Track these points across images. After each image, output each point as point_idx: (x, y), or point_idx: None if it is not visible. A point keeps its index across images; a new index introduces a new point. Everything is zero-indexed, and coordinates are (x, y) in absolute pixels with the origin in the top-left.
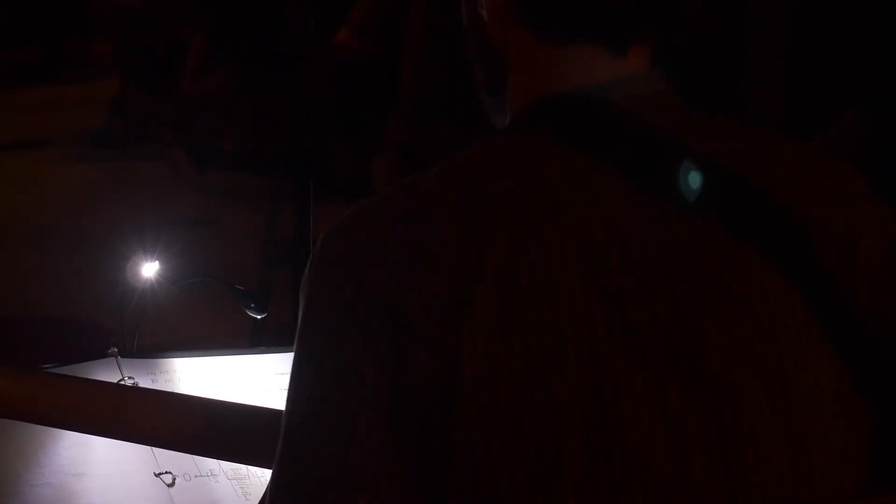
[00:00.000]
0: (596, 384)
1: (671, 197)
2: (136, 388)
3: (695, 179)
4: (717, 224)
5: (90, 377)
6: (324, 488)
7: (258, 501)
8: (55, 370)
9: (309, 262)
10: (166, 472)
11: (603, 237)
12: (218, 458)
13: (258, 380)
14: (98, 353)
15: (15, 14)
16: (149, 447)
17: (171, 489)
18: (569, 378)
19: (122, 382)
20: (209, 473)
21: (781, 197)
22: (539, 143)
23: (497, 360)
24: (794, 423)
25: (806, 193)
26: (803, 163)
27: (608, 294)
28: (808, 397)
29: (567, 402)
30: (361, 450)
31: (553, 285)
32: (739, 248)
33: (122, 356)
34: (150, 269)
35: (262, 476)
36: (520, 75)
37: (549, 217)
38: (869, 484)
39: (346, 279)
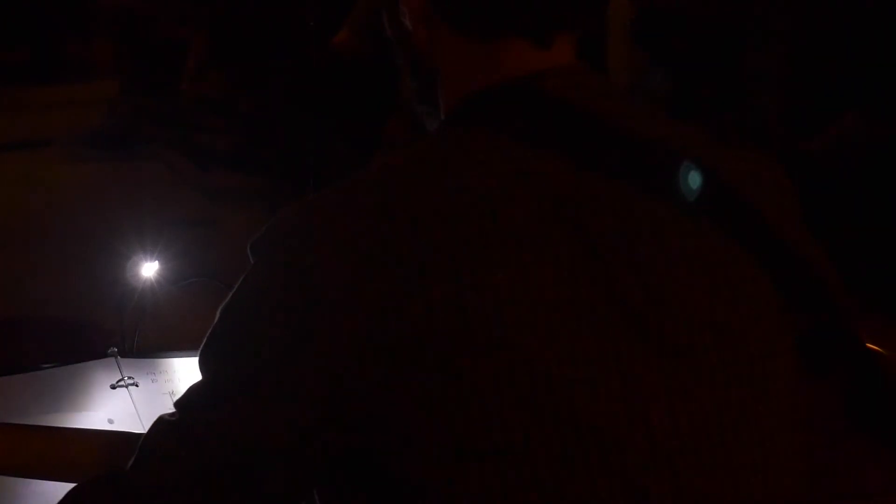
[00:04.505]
0: (550, 358)
1: (613, 174)
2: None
3: (634, 156)
4: (666, 197)
5: (90, 377)
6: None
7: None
8: (54, 370)
9: (254, 245)
10: None
11: (550, 215)
12: None
13: None
14: (98, 353)
15: (14, 14)
16: None
17: None
18: (522, 357)
19: (122, 383)
20: None
21: (722, 175)
22: (473, 136)
23: (444, 350)
24: (756, 387)
25: (741, 179)
26: (732, 152)
27: (560, 267)
28: (768, 361)
29: (520, 380)
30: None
31: (502, 269)
32: (691, 218)
33: (122, 356)
34: (150, 269)
35: None
36: (449, 77)
37: (492, 206)
38: (818, 447)
39: (285, 275)
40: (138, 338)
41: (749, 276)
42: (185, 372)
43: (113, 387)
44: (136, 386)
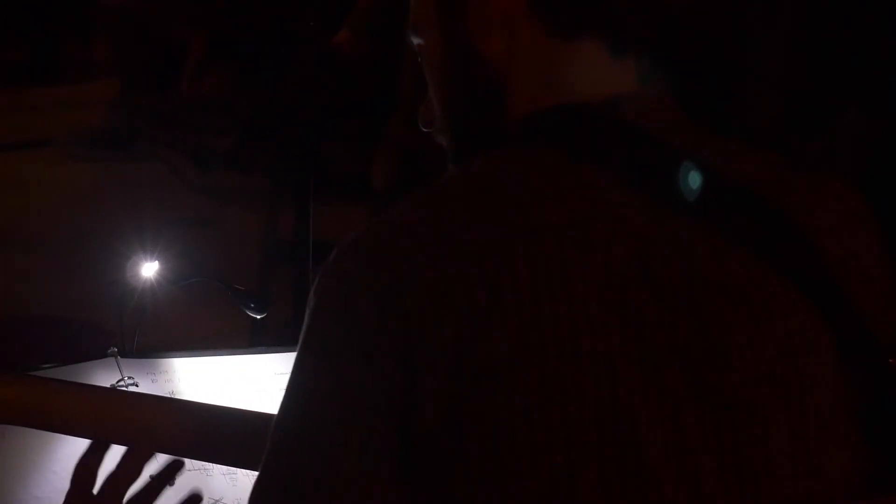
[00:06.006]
0: (611, 402)
1: (689, 214)
2: (127, 392)
3: (711, 196)
4: (738, 241)
5: (90, 377)
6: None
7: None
8: (54, 370)
9: (321, 274)
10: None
11: (623, 254)
12: (208, 461)
13: (257, 380)
14: (98, 353)
15: (14, 14)
16: None
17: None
18: (585, 397)
19: (122, 383)
20: (201, 468)
21: (796, 217)
22: (552, 159)
23: (513, 382)
24: (811, 445)
25: (817, 216)
26: (809, 184)
27: (627, 312)
28: (825, 419)
29: (581, 420)
30: (351, 469)
31: (573, 306)
32: (759, 265)
33: (122, 356)
34: (149, 269)
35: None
36: (522, 83)
37: (570, 236)
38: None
39: (359, 298)
40: (138, 338)
41: (812, 325)
42: (185, 372)
43: (113, 387)
44: (137, 386)
